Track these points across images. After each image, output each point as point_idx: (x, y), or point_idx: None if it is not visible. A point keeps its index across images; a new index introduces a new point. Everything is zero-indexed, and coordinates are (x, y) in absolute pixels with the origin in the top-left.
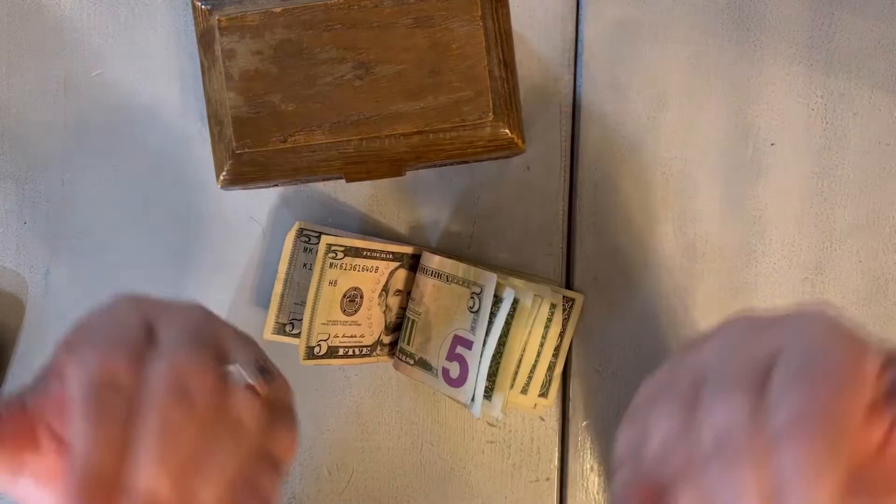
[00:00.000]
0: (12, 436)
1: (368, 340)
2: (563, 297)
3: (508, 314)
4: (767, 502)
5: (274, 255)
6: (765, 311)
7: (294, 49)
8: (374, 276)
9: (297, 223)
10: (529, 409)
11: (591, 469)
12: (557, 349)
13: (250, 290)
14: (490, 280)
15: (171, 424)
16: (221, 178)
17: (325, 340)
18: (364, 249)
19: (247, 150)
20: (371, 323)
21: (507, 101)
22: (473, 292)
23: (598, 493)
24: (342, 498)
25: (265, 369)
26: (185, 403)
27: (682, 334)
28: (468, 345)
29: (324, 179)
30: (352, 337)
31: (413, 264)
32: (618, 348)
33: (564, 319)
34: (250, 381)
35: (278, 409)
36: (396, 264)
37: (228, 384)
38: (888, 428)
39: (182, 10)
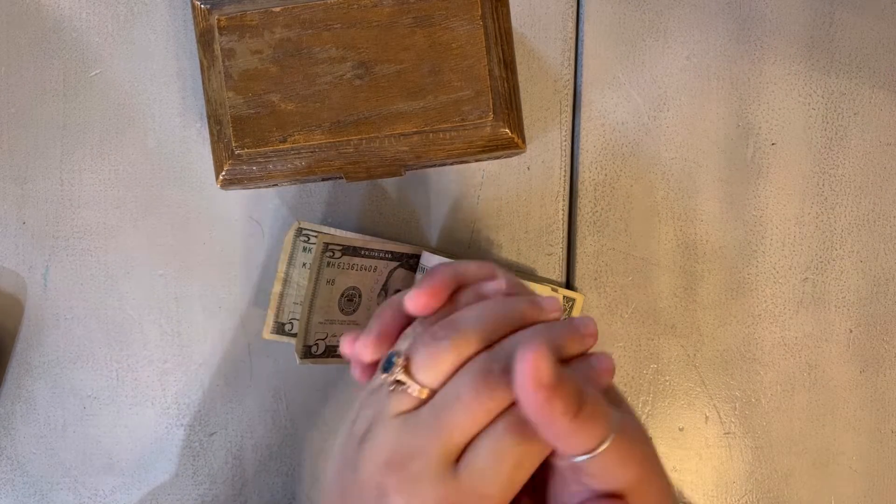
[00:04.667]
0: None
1: None
2: (563, 297)
3: None
4: None
5: (273, 254)
6: None
7: (293, 48)
8: (372, 276)
9: (296, 222)
10: None
11: None
12: None
13: (250, 289)
14: None
15: None
16: (221, 177)
17: (322, 340)
18: (362, 248)
19: (246, 149)
20: None
21: (507, 100)
22: None
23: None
24: None
25: None
26: None
27: (683, 335)
28: None
29: (323, 179)
30: None
31: (413, 264)
32: (618, 348)
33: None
34: None
35: None
36: (396, 264)
37: None
38: None
39: (181, 10)
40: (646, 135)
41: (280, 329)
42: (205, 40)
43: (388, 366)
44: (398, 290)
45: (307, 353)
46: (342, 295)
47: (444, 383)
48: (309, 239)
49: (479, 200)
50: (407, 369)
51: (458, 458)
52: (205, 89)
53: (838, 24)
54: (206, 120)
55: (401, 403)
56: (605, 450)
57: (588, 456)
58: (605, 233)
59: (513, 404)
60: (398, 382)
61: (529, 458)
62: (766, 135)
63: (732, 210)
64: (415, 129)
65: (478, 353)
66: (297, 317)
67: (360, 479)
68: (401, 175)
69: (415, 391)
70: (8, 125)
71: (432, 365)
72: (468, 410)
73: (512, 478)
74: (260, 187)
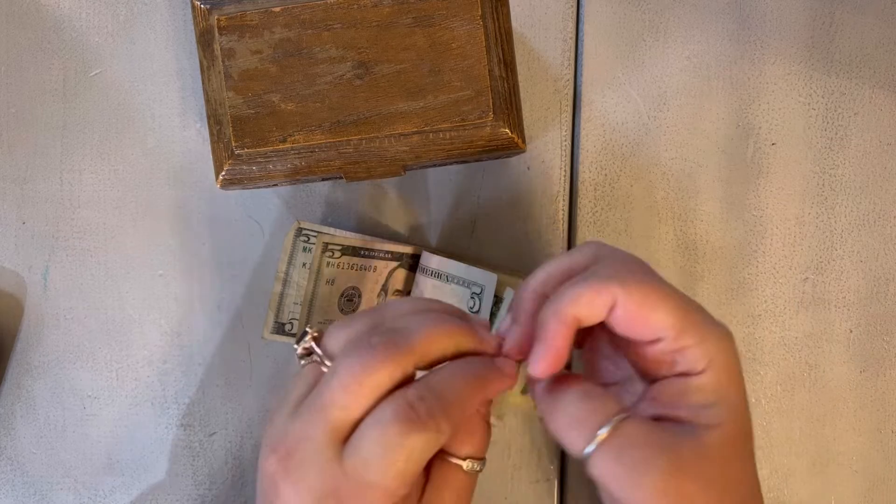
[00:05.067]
0: None
1: None
2: None
3: None
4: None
5: (273, 254)
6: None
7: (293, 48)
8: (372, 276)
9: (296, 222)
10: (530, 410)
11: None
12: None
13: (250, 289)
14: (490, 280)
15: None
16: (221, 178)
17: None
18: (362, 248)
19: (246, 149)
20: None
21: (508, 100)
22: (473, 292)
23: (598, 494)
24: None
25: None
26: None
27: None
28: None
29: (323, 179)
30: None
31: (413, 264)
32: None
33: None
34: None
35: None
36: (395, 264)
37: None
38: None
39: (181, 10)
40: (646, 135)
41: (280, 329)
42: (205, 40)
43: (301, 336)
44: (398, 290)
45: None
46: (342, 295)
47: None
48: (309, 239)
49: (479, 200)
50: (318, 340)
51: (347, 440)
52: (204, 89)
53: (838, 24)
54: (206, 120)
55: (307, 379)
56: (595, 452)
57: (588, 454)
58: (605, 233)
59: (403, 384)
60: (307, 353)
61: (421, 448)
62: (766, 135)
63: (732, 210)
64: (415, 129)
65: None
66: (297, 317)
67: (262, 467)
68: (401, 175)
69: (322, 359)
70: (8, 125)
71: (341, 334)
72: (344, 386)
73: (402, 470)
74: (260, 187)
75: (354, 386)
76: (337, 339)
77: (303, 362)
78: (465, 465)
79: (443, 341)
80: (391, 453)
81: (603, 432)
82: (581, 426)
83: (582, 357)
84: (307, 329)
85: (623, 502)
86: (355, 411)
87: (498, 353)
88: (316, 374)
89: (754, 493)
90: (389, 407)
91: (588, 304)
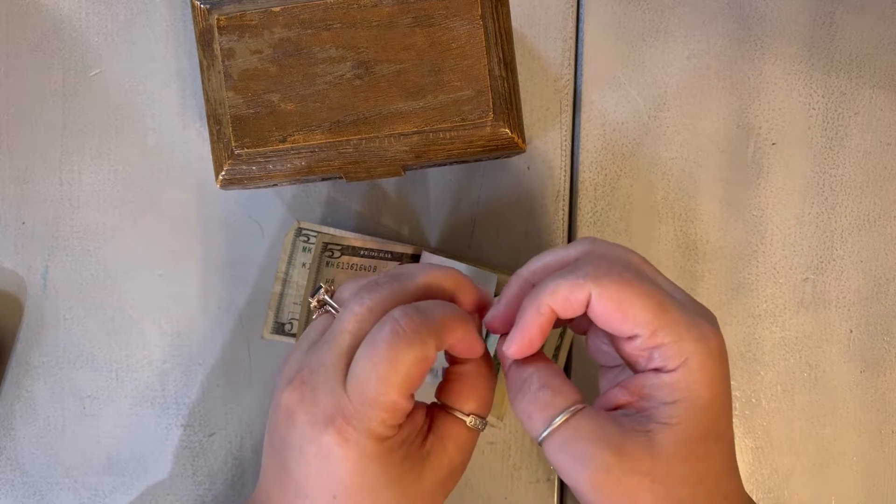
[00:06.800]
0: None
1: None
2: None
3: None
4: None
5: (273, 254)
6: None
7: (293, 48)
8: (372, 276)
9: (295, 222)
10: None
11: None
12: (558, 349)
13: (250, 289)
14: (490, 280)
15: None
16: (220, 178)
17: None
18: (362, 248)
19: (246, 149)
20: None
21: (508, 100)
22: None
23: None
24: None
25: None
26: None
27: None
28: None
29: (323, 179)
30: None
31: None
32: None
33: None
34: None
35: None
36: (395, 264)
37: None
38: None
39: (181, 10)
40: (646, 135)
41: (280, 329)
42: (204, 40)
43: (315, 290)
44: None
45: None
46: None
47: None
48: (308, 239)
49: (479, 200)
50: (332, 294)
51: None
52: (204, 89)
53: (838, 24)
54: (205, 120)
55: (320, 326)
56: (546, 439)
57: (541, 440)
58: (605, 233)
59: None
60: (321, 305)
61: (409, 360)
62: (766, 135)
63: (732, 210)
64: (415, 129)
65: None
66: (297, 317)
67: (278, 402)
68: (401, 175)
69: (334, 308)
70: (8, 125)
71: (352, 285)
72: (353, 314)
73: (395, 383)
74: (260, 187)
75: (363, 312)
76: (349, 289)
77: (315, 315)
78: (469, 420)
79: (444, 281)
80: (382, 367)
81: (557, 421)
82: (539, 412)
83: (585, 343)
84: (321, 284)
85: (572, 488)
86: (360, 336)
87: (482, 313)
88: (328, 322)
89: (720, 493)
90: (378, 327)
91: (564, 298)
